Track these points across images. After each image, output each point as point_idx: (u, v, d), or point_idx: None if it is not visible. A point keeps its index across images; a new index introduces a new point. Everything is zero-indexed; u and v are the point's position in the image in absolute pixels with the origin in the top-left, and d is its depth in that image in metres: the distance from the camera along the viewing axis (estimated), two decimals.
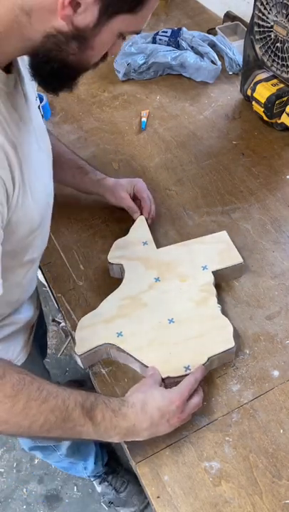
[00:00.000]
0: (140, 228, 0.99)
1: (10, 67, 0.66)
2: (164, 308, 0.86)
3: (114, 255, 0.94)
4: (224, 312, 0.88)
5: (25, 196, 0.68)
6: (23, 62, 0.72)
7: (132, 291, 0.88)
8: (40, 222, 0.75)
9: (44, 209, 0.76)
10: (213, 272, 0.90)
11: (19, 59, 0.71)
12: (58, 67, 0.63)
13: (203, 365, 0.78)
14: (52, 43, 0.60)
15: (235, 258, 0.92)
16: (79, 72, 0.66)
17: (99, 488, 1.53)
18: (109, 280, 0.94)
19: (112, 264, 0.93)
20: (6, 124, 0.62)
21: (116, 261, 0.93)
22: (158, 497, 0.70)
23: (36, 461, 1.66)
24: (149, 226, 0.99)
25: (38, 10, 0.57)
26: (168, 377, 0.77)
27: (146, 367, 0.79)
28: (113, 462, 1.52)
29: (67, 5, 0.55)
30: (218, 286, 0.91)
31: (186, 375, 0.76)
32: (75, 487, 1.60)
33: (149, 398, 0.71)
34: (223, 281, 0.93)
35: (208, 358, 0.78)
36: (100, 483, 1.52)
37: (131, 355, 0.80)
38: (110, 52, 0.66)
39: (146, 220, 1.00)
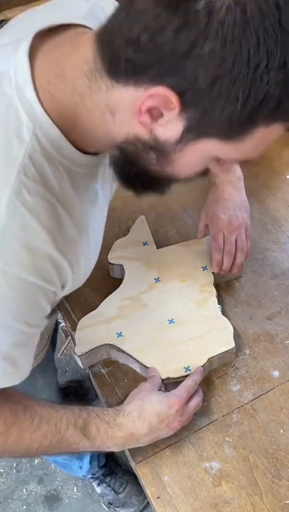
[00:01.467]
0: (140, 228, 0.98)
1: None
2: (165, 308, 0.86)
3: (114, 255, 0.94)
4: (224, 312, 0.88)
5: (78, 272, 0.63)
6: None
7: (132, 292, 0.88)
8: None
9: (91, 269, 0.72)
10: (213, 272, 0.90)
11: None
12: (137, 172, 0.56)
13: (203, 366, 0.77)
14: (131, 147, 0.53)
15: None
16: (164, 181, 0.59)
17: (98, 489, 1.53)
18: (109, 280, 0.94)
19: (113, 264, 0.93)
20: (70, 221, 0.57)
21: (116, 261, 0.93)
22: (158, 497, 0.70)
23: (36, 461, 1.66)
24: (149, 226, 0.99)
25: (121, 109, 0.50)
26: (168, 378, 0.77)
27: (147, 367, 0.79)
28: (112, 463, 1.52)
29: (145, 112, 0.47)
30: (218, 286, 0.91)
31: (186, 375, 0.76)
32: (75, 487, 1.60)
33: (146, 405, 0.70)
34: (223, 282, 0.93)
35: (209, 359, 0.78)
36: (98, 485, 1.52)
37: (131, 356, 0.80)
38: (212, 172, 0.59)
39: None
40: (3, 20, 1.63)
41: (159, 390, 0.75)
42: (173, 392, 0.72)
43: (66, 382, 1.77)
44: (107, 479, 1.51)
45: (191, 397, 0.73)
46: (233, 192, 0.93)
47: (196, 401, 0.73)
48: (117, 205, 1.08)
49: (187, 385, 0.73)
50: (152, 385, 0.75)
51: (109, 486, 1.50)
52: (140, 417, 0.69)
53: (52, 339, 1.12)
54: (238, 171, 0.94)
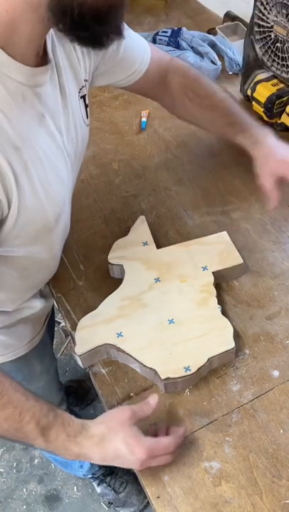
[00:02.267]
0: (140, 228, 0.99)
1: (45, 60, 0.66)
2: (164, 308, 0.86)
3: (114, 255, 0.94)
4: (224, 312, 0.88)
5: (35, 195, 0.68)
6: (62, 54, 0.71)
7: (132, 292, 0.88)
8: (56, 217, 0.76)
9: (60, 206, 0.77)
10: (213, 273, 0.90)
11: (58, 51, 0.70)
12: (78, 13, 0.56)
13: (202, 366, 0.77)
14: None
15: (235, 259, 0.92)
16: (106, 12, 0.58)
17: (98, 489, 1.53)
18: (109, 280, 0.94)
19: (113, 264, 0.93)
20: (8, 126, 0.61)
21: (116, 261, 0.93)
22: (158, 497, 0.70)
23: (36, 461, 1.66)
24: (149, 226, 0.99)
25: None
26: (168, 378, 0.77)
27: (147, 367, 0.79)
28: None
29: None
30: (218, 286, 0.91)
31: (186, 375, 0.76)
32: (75, 487, 1.60)
33: (110, 438, 0.66)
34: (223, 282, 0.93)
35: (208, 359, 0.78)
36: (98, 484, 1.52)
37: (131, 356, 0.80)
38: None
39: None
40: None
41: (142, 424, 0.70)
42: (145, 440, 0.66)
43: (66, 382, 1.77)
44: (107, 479, 1.51)
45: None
46: (275, 140, 0.92)
47: (163, 459, 0.68)
48: (117, 206, 1.09)
49: (166, 444, 0.68)
50: (131, 415, 0.68)
51: (109, 485, 1.50)
52: (98, 445, 0.66)
53: (49, 326, 1.12)
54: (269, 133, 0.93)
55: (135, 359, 0.80)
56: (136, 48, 0.93)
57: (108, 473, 1.51)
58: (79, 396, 1.74)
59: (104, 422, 0.69)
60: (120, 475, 1.52)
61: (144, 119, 1.29)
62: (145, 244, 0.96)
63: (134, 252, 0.94)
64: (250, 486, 0.70)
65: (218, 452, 0.74)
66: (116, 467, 1.50)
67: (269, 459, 0.73)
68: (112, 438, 0.66)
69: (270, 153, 0.90)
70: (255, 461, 0.73)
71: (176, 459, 0.73)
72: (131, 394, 0.80)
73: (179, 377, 0.77)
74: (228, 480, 0.71)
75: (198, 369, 0.77)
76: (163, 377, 0.77)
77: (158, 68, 0.96)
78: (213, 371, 0.82)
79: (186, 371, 0.77)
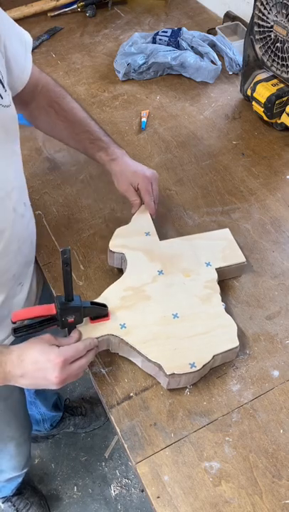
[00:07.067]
0: (142, 218, 0.97)
1: None
2: (168, 302, 0.85)
3: (115, 243, 0.92)
4: (226, 311, 0.88)
5: None
6: None
7: (135, 283, 0.87)
8: None
9: None
10: (216, 269, 0.89)
11: None
12: None
13: (208, 363, 0.77)
14: None
15: (238, 257, 0.92)
16: None
17: (1, 506, 1.51)
18: (110, 280, 0.94)
19: (114, 252, 0.91)
20: None
21: (118, 249, 0.91)
22: (158, 497, 0.70)
23: (36, 461, 1.66)
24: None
25: None
26: (173, 374, 0.76)
27: (150, 361, 0.78)
28: (24, 484, 1.51)
29: None
30: (220, 284, 0.91)
31: (191, 372, 0.76)
32: (75, 487, 1.60)
33: (28, 349, 0.72)
34: (223, 280, 0.92)
35: (213, 356, 0.78)
36: (3, 502, 1.50)
37: (135, 349, 0.79)
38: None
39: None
40: None
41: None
42: (59, 348, 0.73)
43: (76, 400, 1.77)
44: (14, 499, 1.50)
45: (78, 359, 0.74)
46: (129, 158, 1.00)
47: (81, 362, 0.74)
48: (117, 206, 1.09)
49: (76, 346, 0.74)
50: (51, 337, 0.75)
51: (13, 505, 1.49)
52: (18, 359, 0.72)
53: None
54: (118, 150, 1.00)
55: (139, 352, 0.79)
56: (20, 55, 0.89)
57: (17, 493, 1.49)
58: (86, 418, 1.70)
59: (26, 342, 0.74)
60: (27, 496, 1.50)
61: (144, 119, 1.29)
62: (148, 234, 0.94)
63: (136, 241, 0.93)
64: (250, 486, 0.70)
65: (218, 452, 0.74)
66: (25, 488, 1.47)
67: (269, 458, 0.73)
68: (30, 350, 0.72)
69: (126, 167, 0.98)
70: (255, 461, 0.73)
71: (176, 458, 0.73)
72: (131, 394, 0.80)
73: (184, 374, 0.76)
74: (228, 480, 0.71)
75: (203, 366, 0.77)
76: (168, 372, 0.76)
77: (32, 79, 0.94)
78: (213, 371, 0.82)
79: (191, 367, 0.76)
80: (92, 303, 0.79)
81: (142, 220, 0.97)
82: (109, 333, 0.80)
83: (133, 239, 0.93)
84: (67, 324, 0.77)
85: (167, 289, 0.86)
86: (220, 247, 0.93)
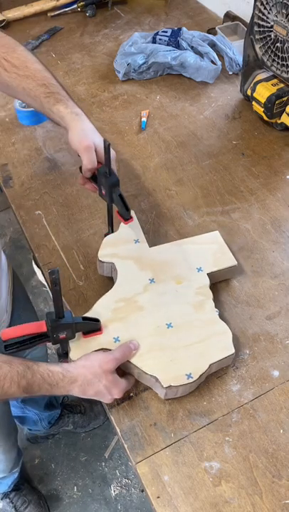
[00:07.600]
0: (131, 225, 0.94)
1: None
2: (161, 311, 0.83)
3: (104, 253, 0.90)
4: (223, 313, 0.88)
5: None
6: None
7: (127, 293, 0.85)
8: None
9: None
10: (207, 274, 0.88)
11: None
12: None
13: (204, 372, 0.77)
14: None
15: (229, 260, 0.91)
16: None
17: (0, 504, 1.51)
18: (109, 280, 0.94)
19: (103, 262, 0.90)
20: None
21: (107, 259, 0.89)
22: (158, 497, 0.70)
23: (36, 461, 1.66)
24: (149, 226, 0.98)
25: None
26: (170, 386, 0.75)
27: (147, 374, 0.77)
28: (22, 480, 1.51)
29: None
30: (217, 286, 0.91)
31: (188, 383, 0.75)
32: (75, 487, 1.60)
33: (93, 384, 0.74)
34: (217, 282, 0.91)
35: (210, 365, 0.77)
36: (1, 499, 1.50)
37: (130, 362, 0.78)
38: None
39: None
40: (3, 20, 1.63)
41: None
42: (121, 382, 0.76)
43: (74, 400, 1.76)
44: (12, 495, 1.49)
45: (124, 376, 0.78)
46: (87, 120, 0.93)
47: (128, 381, 0.78)
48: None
49: (131, 382, 0.79)
50: (115, 366, 0.76)
51: (11, 502, 1.49)
52: (80, 388, 0.74)
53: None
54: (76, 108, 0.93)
55: (135, 366, 0.77)
56: None
57: (15, 488, 1.48)
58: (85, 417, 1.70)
59: (86, 366, 0.74)
60: (25, 493, 1.50)
61: (144, 119, 1.29)
62: (137, 241, 0.92)
63: (125, 249, 0.91)
64: (250, 486, 0.70)
65: (218, 452, 0.74)
66: (23, 484, 1.49)
67: (269, 458, 0.73)
68: (96, 384, 0.74)
69: (88, 126, 0.91)
70: (255, 461, 0.73)
71: (176, 458, 0.73)
72: (131, 394, 0.80)
73: (181, 385, 0.75)
74: (228, 480, 0.71)
75: (200, 376, 0.76)
76: (165, 385, 0.75)
77: None
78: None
79: (188, 378, 0.75)
80: (84, 318, 0.79)
81: (131, 227, 0.94)
82: (102, 347, 0.79)
83: (122, 247, 0.91)
84: (59, 340, 0.77)
85: (159, 298, 0.85)
86: (211, 251, 0.92)
